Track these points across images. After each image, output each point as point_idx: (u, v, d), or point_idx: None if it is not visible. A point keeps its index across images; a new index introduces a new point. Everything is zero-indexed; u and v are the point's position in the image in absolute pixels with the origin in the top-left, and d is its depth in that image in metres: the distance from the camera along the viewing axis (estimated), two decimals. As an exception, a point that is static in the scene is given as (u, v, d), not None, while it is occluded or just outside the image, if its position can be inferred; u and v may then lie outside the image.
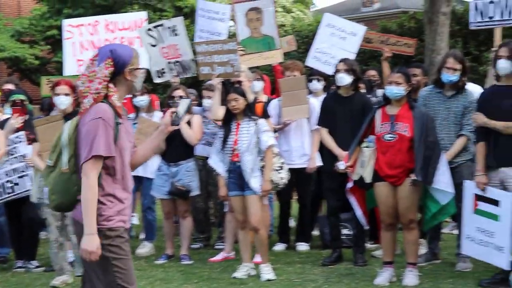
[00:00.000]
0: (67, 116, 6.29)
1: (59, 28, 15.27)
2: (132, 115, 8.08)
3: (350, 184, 6.44)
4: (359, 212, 6.56)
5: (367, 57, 15.26)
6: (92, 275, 3.75)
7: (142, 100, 7.98)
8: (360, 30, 8.42)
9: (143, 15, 9.56)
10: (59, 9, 18.65)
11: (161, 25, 8.43)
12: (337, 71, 7.09)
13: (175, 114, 3.94)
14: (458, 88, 6.67)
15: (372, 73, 8.76)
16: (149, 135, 7.76)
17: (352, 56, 8.00)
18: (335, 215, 7.25)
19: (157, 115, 8.03)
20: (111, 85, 3.71)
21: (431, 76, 7.40)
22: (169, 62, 8.38)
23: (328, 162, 7.06)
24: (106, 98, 3.70)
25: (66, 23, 9.41)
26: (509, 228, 5.91)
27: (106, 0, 18.70)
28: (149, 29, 8.42)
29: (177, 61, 8.34)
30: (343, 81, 7.05)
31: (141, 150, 3.98)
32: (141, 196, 8.40)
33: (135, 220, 9.48)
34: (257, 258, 6.91)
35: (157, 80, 8.52)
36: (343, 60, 7.18)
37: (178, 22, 8.38)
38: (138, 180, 8.00)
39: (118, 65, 3.72)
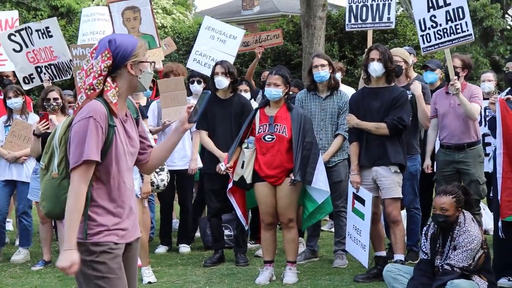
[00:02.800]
0: None
1: None
2: (4, 117, 7.78)
3: (230, 185, 6.50)
4: (239, 212, 6.63)
5: (248, 59, 15.47)
6: None
7: (16, 102, 7.69)
8: (240, 33, 8.53)
9: (14, 14, 9.20)
10: None
11: (25, 28, 8.04)
12: (215, 74, 7.14)
13: (194, 109, 3.53)
14: (331, 88, 6.90)
15: (267, 73, 8.79)
16: (23, 138, 7.55)
17: (232, 59, 8.08)
18: (216, 216, 7.29)
19: (31, 117, 7.76)
20: (109, 79, 3.32)
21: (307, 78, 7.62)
22: (38, 66, 8.05)
23: (209, 164, 7.11)
24: (101, 95, 3.33)
25: None
26: (369, 227, 6.19)
27: (-24, -2, 17.90)
28: (11, 34, 8.04)
29: (51, 64, 8.05)
30: (221, 84, 7.11)
31: (156, 151, 3.63)
32: (16, 201, 8.08)
33: (10, 226, 9.12)
34: (139, 261, 6.83)
35: (26, 87, 8.18)
36: (220, 63, 7.24)
37: (52, 23, 8.08)
38: (13, 184, 7.72)
39: (118, 58, 3.33)
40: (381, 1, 7.83)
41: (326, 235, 8.22)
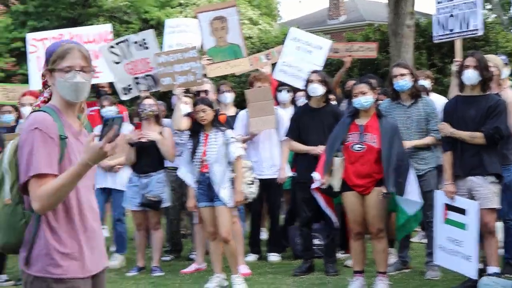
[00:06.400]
0: None
1: (24, 40, 15.18)
2: (99, 127, 8.03)
3: (315, 184, 6.45)
4: (328, 210, 6.56)
5: (334, 69, 15.40)
6: None
7: (111, 110, 7.93)
8: (326, 44, 8.53)
9: (108, 27, 9.48)
10: (24, 21, 18.48)
11: (124, 41, 8.26)
12: (310, 81, 7.15)
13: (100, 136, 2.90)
14: (415, 96, 6.79)
15: (352, 83, 8.65)
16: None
17: (318, 70, 8.09)
18: (307, 225, 7.30)
19: (125, 127, 7.99)
20: (44, 93, 3.09)
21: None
22: (136, 77, 8.26)
23: (302, 173, 7.09)
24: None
25: (30, 37, 9.26)
26: (476, 237, 6.02)
27: (71, 13, 18.57)
28: (112, 46, 8.27)
29: (148, 75, 8.22)
30: (316, 91, 7.11)
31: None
32: (111, 208, 8.35)
33: (106, 232, 9.40)
34: (242, 270, 6.94)
35: (124, 97, 8.39)
36: (316, 72, 7.26)
37: (148, 35, 8.26)
38: (108, 192, 7.98)
39: (45, 64, 3.06)
40: (467, 9, 7.68)
41: (417, 246, 8.08)
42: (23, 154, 2.87)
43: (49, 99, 3.07)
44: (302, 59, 8.35)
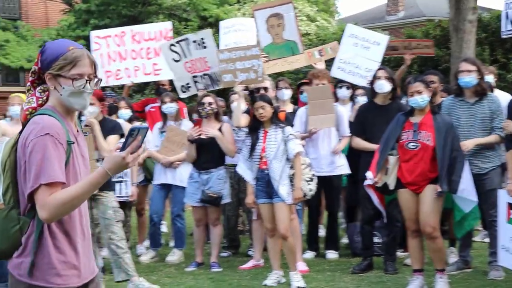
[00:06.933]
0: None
1: (86, 38, 15.47)
2: (160, 124, 8.15)
3: (368, 181, 6.36)
4: (376, 200, 6.48)
5: (392, 65, 15.24)
6: None
7: (171, 107, 8.02)
8: (383, 39, 8.44)
9: (168, 25, 9.60)
10: (86, 20, 18.85)
11: (184, 39, 8.33)
12: (377, 78, 7.08)
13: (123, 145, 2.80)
14: (480, 93, 6.64)
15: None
16: (176, 144, 7.88)
17: (376, 65, 8.02)
18: (369, 223, 7.24)
19: (185, 124, 8.08)
20: (37, 93, 2.89)
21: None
22: (194, 76, 8.32)
23: (365, 170, 7.01)
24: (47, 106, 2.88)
25: (94, 35, 9.48)
26: None
27: (131, 11, 18.86)
28: (172, 45, 8.36)
29: (205, 74, 8.26)
30: (383, 88, 7.04)
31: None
32: (171, 204, 8.46)
33: (164, 228, 9.53)
34: (300, 267, 6.94)
35: (182, 95, 8.46)
36: (383, 68, 7.21)
37: (207, 34, 8.31)
38: (167, 188, 8.08)
39: (43, 65, 2.85)
40: (538, 3, 7.47)
41: (479, 246, 7.92)
42: (34, 160, 2.69)
43: (45, 101, 2.88)
44: (359, 55, 8.29)
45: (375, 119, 7.05)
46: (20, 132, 2.81)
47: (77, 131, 2.94)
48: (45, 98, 2.88)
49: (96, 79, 2.89)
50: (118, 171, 2.78)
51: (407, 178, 6.13)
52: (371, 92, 7.24)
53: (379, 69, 7.21)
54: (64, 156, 2.75)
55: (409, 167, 6.12)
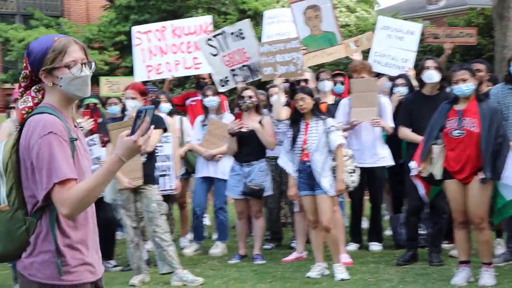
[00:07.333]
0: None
1: (126, 34, 15.59)
2: (201, 117, 8.19)
3: (413, 172, 6.28)
4: (422, 190, 6.38)
5: (434, 55, 15.03)
6: None
7: (213, 100, 8.04)
8: (417, 28, 8.37)
9: (208, 19, 9.61)
10: (126, 16, 19.00)
11: (221, 33, 8.30)
12: (426, 68, 6.98)
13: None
14: None
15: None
16: (218, 137, 7.91)
17: (413, 55, 7.92)
18: (416, 214, 7.16)
19: (226, 117, 8.10)
20: (33, 92, 2.83)
21: (501, 72, 7.26)
22: (232, 69, 8.28)
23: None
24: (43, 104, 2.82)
25: (135, 30, 9.54)
26: None
27: (171, 5, 18.95)
28: (209, 39, 8.35)
29: (244, 65, 8.22)
30: (432, 78, 6.95)
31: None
32: (213, 197, 8.50)
33: (207, 221, 9.58)
34: (344, 259, 6.91)
35: (221, 89, 8.43)
36: (431, 58, 7.12)
37: (245, 25, 8.29)
38: (210, 181, 8.12)
39: (33, 66, 2.81)
40: None
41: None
42: (42, 160, 2.65)
43: (40, 100, 2.83)
44: (394, 47, 8.23)
45: (422, 110, 6.92)
46: (20, 132, 2.76)
47: (75, 126, 2.89)
48: (40, 97, 2.84)
49: (89, 63, 2.83)
50: (131, 156, 2.70)
51: (454, 167, 6.04)
52: (419, 82, 7.14)
53: (428, 58, 7.10)
54: (69, 152, 2.71)
55: (455, 156, 6.03)
